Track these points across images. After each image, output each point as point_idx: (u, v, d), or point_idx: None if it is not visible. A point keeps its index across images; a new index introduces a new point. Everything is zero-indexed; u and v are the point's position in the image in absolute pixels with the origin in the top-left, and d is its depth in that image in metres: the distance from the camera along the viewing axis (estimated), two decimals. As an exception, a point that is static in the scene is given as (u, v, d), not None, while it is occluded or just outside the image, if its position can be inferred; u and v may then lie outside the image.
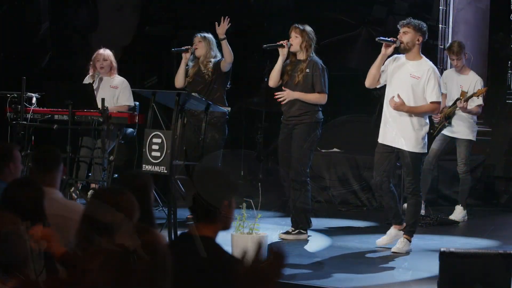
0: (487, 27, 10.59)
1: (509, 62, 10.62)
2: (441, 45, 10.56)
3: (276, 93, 7.43)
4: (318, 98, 7.44)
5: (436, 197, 9.58)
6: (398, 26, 6.96)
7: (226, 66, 8.05)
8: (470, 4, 10.63)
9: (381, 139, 7.00)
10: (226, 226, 3.38)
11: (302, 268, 6.22)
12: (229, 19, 7.88)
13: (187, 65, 8.21)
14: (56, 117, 8.17)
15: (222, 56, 8.14)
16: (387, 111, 6.94)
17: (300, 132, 7.42)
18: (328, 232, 7.67)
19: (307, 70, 7.45)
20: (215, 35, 8.08)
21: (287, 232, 7.50)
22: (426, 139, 6.95)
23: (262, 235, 6.17)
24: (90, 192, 8.61)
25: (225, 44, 7.94)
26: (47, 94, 8.12)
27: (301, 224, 7.46)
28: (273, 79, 7.51)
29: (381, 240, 7.09)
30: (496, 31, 10.56)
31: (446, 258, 5.08)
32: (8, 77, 9.00)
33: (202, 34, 8.22)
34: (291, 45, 7.45)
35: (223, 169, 3.43)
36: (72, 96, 7.89)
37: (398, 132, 6.87)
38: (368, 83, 7.05)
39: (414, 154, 6.87)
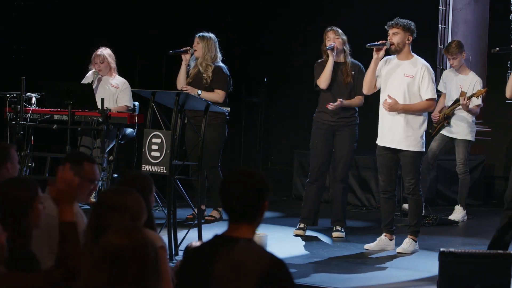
0: (487, 27, 10.59)
1: (509, 62, 10.62)
2: (440, 45, 10.56)
3: (331, 104, 7.41)
4: (361, 101, 7.57)
5: (436, 197, 9.58)
6: (386, 27, 6.90)
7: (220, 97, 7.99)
8: (470, 4, 10.63)
9: (380, 142, 6.98)
10: (258, 228, 3.37)
11: (302, 268, 6.22)
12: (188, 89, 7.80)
13: (188, 65, 8.13)
14: (55, 117, 8.16)
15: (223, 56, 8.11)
16: (384, 113, 6.91)
17: (350, 134, 7.53)
18: (328, 232, 7.66)
19: (353, 73, 7.52)
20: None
21: (301, 229, 7.60)
22: (424, 138, 6.92)
23: (262, 235, 6.17)
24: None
25: (205, 94, 7.77)
26: (47, 94, 8.12)
27: (344, 222, 7.59)
28: (327, 80, 7.48)
29: (370, 245, 7.03)
30: (496, 31, 10.56)
31: (445, 258, 5.07)
32: (7, 77, 8.98)
33: (201, 34, 8.06)
34: (337, 47, 7.48)
35: (258, 171, 3.42)
36: (72, 96, 7.88)
37: (397, 132, 6.83)
38: (366, 89, 7.04)
39: (414, 153, 6.83)
